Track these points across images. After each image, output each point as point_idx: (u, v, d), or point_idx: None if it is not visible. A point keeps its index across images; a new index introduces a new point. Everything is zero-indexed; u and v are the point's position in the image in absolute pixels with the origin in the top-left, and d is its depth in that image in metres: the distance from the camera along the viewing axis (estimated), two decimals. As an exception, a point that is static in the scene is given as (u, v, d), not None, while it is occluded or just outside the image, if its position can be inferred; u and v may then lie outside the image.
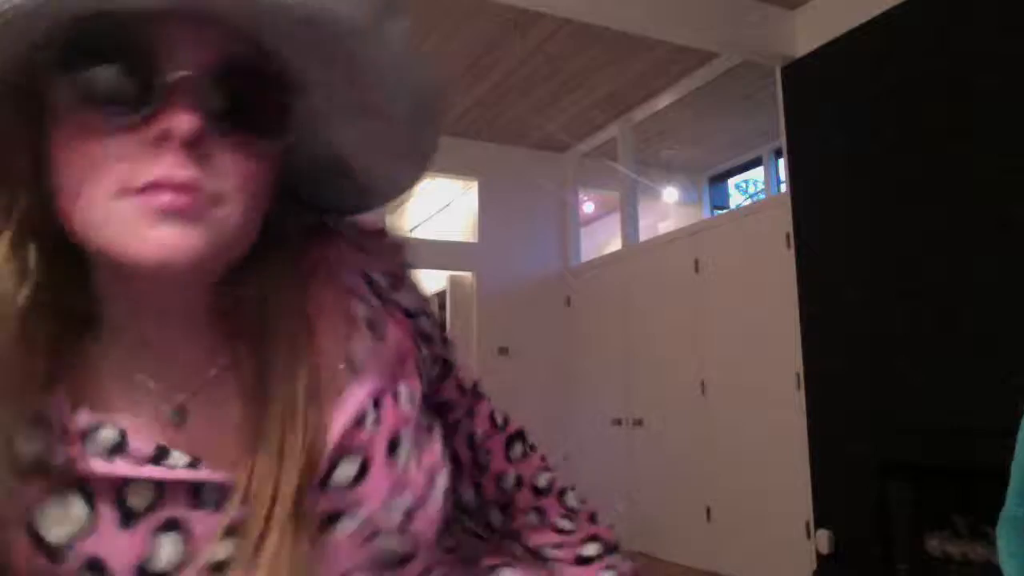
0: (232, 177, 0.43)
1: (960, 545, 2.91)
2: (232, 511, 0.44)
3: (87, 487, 0.43)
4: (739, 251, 4.04)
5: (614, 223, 5.60)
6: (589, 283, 5.29)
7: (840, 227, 3.34)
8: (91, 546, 0.43)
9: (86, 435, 0.43)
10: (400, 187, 0.57)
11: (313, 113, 0.48)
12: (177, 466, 0.44)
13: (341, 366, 0.50)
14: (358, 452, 0.49)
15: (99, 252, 0.42)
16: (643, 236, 5.22)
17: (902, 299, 3.02)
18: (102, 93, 0.40)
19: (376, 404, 0.50)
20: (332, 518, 0.47)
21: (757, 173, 5.99)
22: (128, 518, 0.43)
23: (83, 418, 0.44)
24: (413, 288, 0.58)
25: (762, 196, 5.77)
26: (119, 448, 0.44)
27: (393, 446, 0.50)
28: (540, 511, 0.65)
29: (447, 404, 0.63)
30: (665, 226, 5.94)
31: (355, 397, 0.50)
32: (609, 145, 5.27)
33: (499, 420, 0.66)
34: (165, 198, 0.41)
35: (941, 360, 2.85)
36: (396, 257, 0.58)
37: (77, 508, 0.43)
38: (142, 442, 0.44)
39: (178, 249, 0.41)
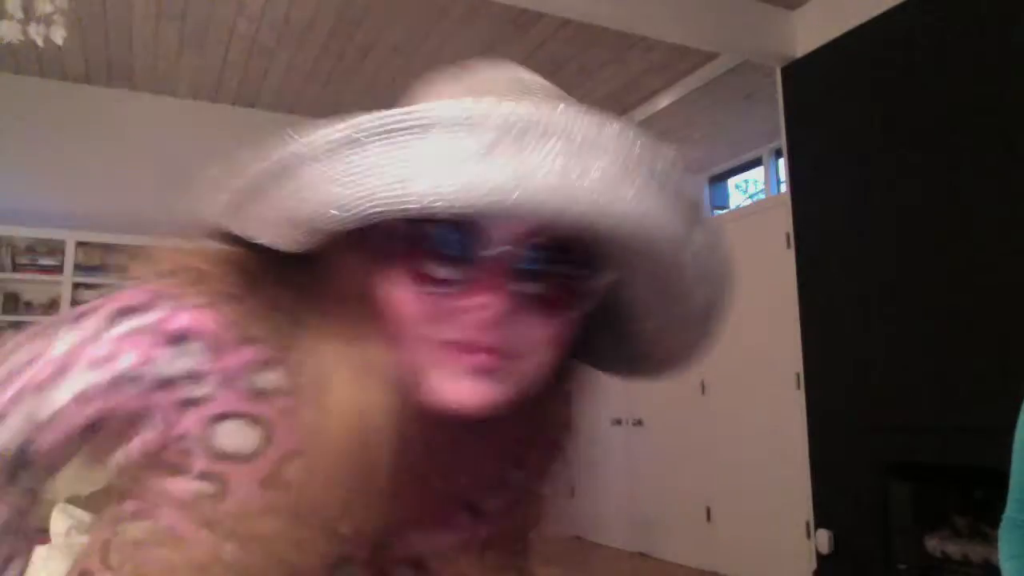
0: (534, 339, 0.49)
1: (960, 545, 2.91)
2: None
3: None
4: (739, 251, 4.02)
5: (614, 223, 5.58)
6: (589, 283, 5.28)
7: (840, 227, 3.34)
8: None
9: None
10: (675, 361, 0.60)
11: (616, 291, 0.53)
12: None
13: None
14: None
15: (418, 393, 0.49)
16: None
17: (902, 299, 3.02)
18: (435, 258, 0.46)
19: None
20: None
21: (757, 173, 5.98)
22: None
23: None
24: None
25: (762, 196, 5.76)
26: None
27: None
28: None
29: None
30: (665, 226, 5.93)
31: None
32: (609, 145, 5.25)
33: None
34: (477, 358, 0.47)
35: (941, 360, 2.85)
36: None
37: None
38: None
39: (485, 399, 0.48)
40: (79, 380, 0.48)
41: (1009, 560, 1.28)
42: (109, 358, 0.48)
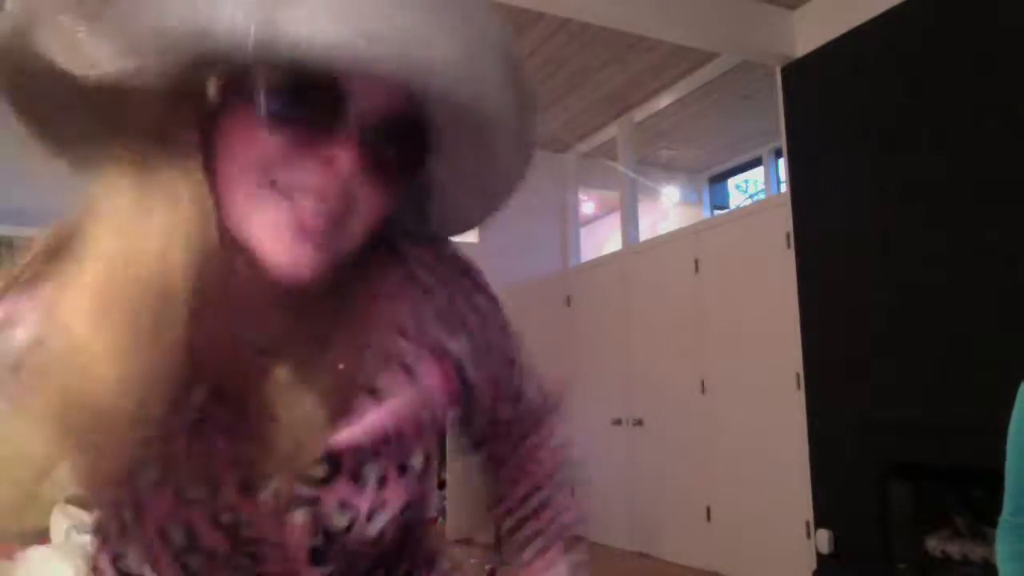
0: (366, 209, 0.49)
1: (960, 545, 2.91)
2: None
3: None
4: (739, 251, 4.04)
5: (614, 223, 5.60)
6: (589, 283, 5.28)
7: (840, 227, 3.34)
8: None
9: None
10: (473, 222, 0.62)
11: (435, 160, 0.53)
12: None
13: (363, 392, 0.54)
14: (334, 459, 0.53)
15: (241, 243, 0.48)
16: (643, 236, 5.22)
17: (902, 299, 3.02)
18: (285, 106, 0.45)
19: (382, 479, 0.54)
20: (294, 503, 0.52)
21: (757, 173, 5.99)
22: None
23: None
24: (474, 331, 0.61)
25: (762, 196, 5.76)
26: None
27: (360, 475, 0.54)
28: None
29: (500, 428, 0.68)
30: (665, 226, 5.94)
31: (363, 424, 0.53)
32: (609, 145, 5.27)
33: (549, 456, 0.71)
34: (306, 212, 0.46)
35: (941, 360, 2.85)
36: (459, 296, 0.61)
37: None
38: None
39: (306, 266, 0.47)
40: None
41: (1007, 562, 1.28)
42: None
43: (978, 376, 2.67)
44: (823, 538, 3.32)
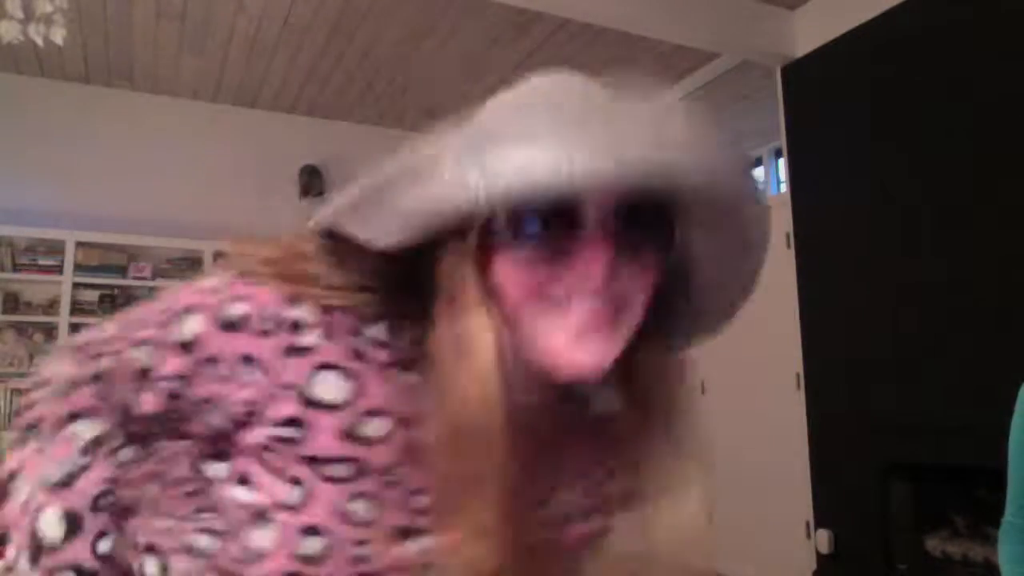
0: (633, 288, 0.53)
1: (960, 545, 2.91)
2: None
3: None
4: (739, 251, 4.03)
5: (614, 223, 5.57)
6: (589, 283, 5.27)
7: (840, 227, 3.34)
8: None
9: None
10: (725, 315, 0.66)
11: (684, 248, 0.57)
12: None
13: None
14: None
15: (535, 361, 0.52)
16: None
17: (902, 299, 3.02)
18: (537, 234, 0.50)
19: None
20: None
21: (757, 173, 5.98)
22: None
23: None
24: None
25: (762, 196, 5.75)
26: None
27: None
28: None
29: None
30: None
31: None
32: (609, 145, 5.25)
33: None
34: (588, 313, 0.51)
35: (941, 360, 2.85)
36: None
37: None
38: None
39: (596, 358, 0.51)
40: (197, 322, 0.54)
41: (1010, 564, 1.28)
42: (223, 303, 0.54)
43: (978, 376, 2.67)
44: (823, 538, 3.32)
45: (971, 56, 2.84)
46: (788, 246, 3.64)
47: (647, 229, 0.53)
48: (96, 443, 0.54)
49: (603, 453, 0.63)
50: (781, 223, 3.71)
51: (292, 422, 0.52)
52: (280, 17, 3.78)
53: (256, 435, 0.53)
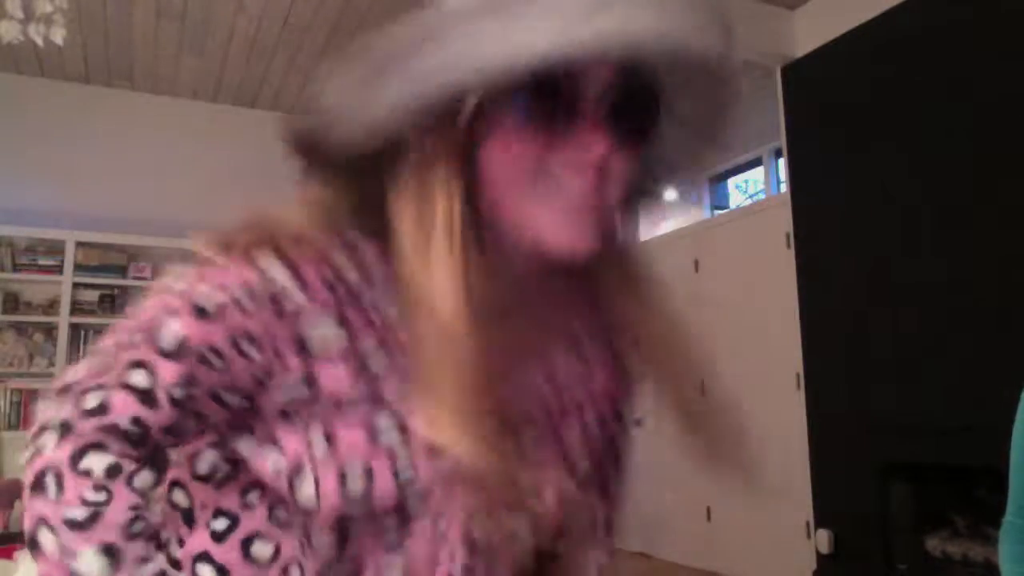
0: (620, 179, 0.54)
1: (960, 545, 2.91)
2: None
3: None
4: (739, 251, 4.04)
5: (614, 223, 5.56)
6: (589, 283, 5.28)
7: (840, 227, 3.34)
8: None
9: None
10: (704, 162, 0.69)
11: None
12: None
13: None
14: None
15: (523, 240, 0.53)
16: (643, 236, 5.20)
17: (902, 299, 3.02)
18: (535, 116, 0.50)
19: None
20: None
21: (757, 173, 5.98)
22: None
23: None
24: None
25: (762, 196, 5.76)
26: None
27: None
28: None
29: None
30: (665, 226, 5.94)
31: None
32: (609, 145, 5.25)
33: None
34: (576, 195, 0.51)
35: (941, 360, 2.85)
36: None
37: None
38: None
39: (584, 243, 0.52)
40: (177, 324, 0.53)
41: (1010, 564, 1.28)
42: (196, 297, 0.53)
43: (978, 376, 2.67)
44: (823, 538, 3.32)
45: (971, 56, 2.84)
46: (788, 246, 3.64)
47: (634, 113, 0.53)
48: (110, 473, 0.53)
49: (588, 319, 0.67)
50: (781, 223, 3.71)
51: (302, 380, 0.53)
52: (280, 17, 3.78)
53: (272, 401, 0.54)
